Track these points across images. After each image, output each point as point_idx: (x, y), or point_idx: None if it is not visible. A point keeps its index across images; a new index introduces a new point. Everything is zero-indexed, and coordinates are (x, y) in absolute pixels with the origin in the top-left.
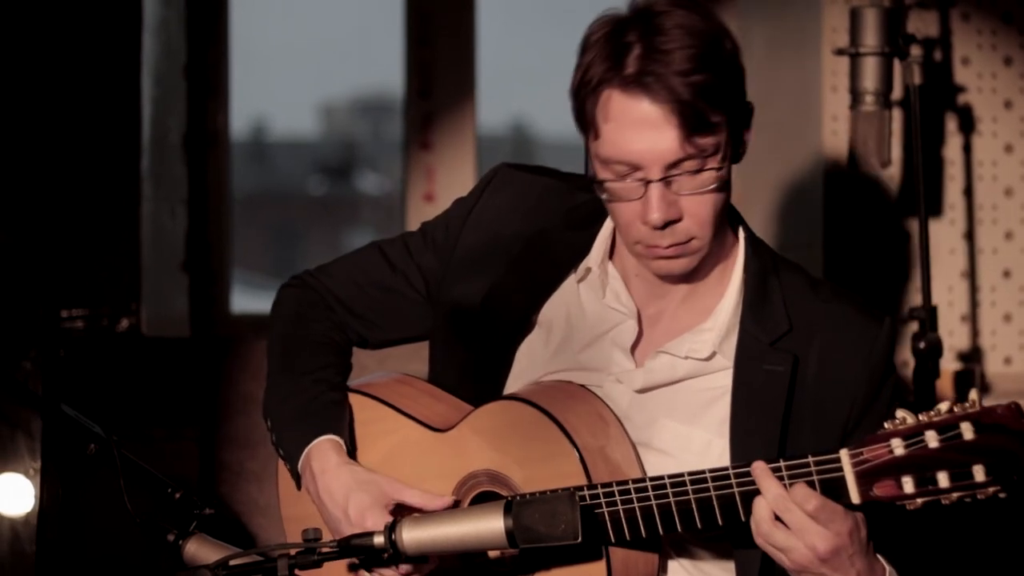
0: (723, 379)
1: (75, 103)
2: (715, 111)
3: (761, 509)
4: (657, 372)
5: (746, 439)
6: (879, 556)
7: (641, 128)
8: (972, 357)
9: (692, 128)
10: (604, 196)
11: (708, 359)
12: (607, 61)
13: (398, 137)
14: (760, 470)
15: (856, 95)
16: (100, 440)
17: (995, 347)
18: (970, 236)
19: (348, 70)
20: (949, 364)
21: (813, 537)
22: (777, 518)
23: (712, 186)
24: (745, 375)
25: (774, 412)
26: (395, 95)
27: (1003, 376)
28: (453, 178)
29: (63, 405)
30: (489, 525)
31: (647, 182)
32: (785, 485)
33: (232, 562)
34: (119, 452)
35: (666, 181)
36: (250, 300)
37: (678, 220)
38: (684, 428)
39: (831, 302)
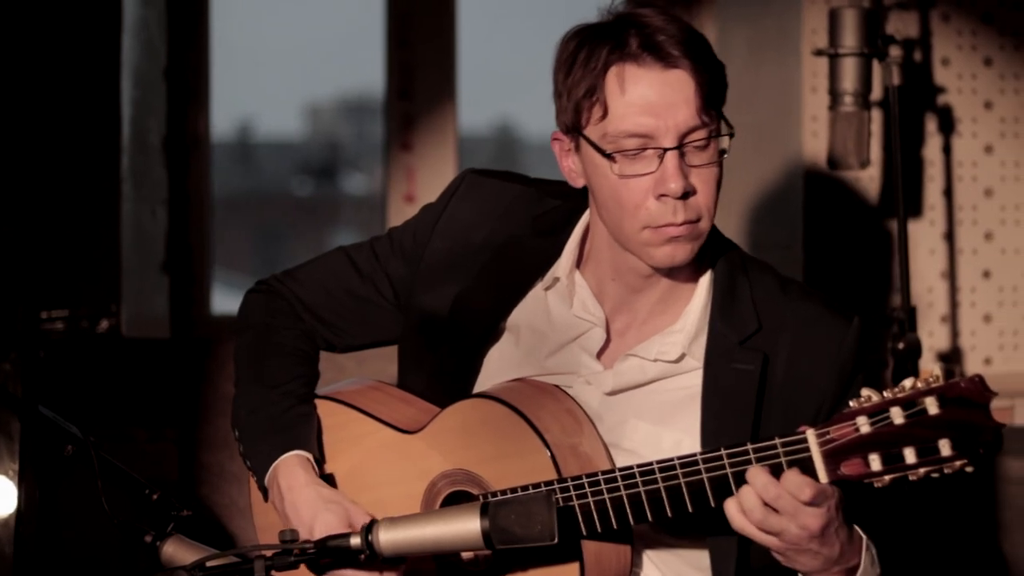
0: (693, 379)
1: (54, 104)
2: (718, 86)
3: (750, 497)
4: (626, 375)
5: (717, 438)
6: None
7: (658, 96)
8: (951, 358)
9: (707, 95)
10: (616, 172)
11: (677, 361)
12: (606, 45)
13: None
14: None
15: (835, 96)
16: (77, 441)
17: (975, 348)
18: (950, 237)
19: (334, 71)
20: (928, 365)
21: (806, 518)
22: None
23: (718, 159)
24: (715, 374)
25: (744, 410)
26: (380, 96)
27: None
28: (434, 179)
29: (40, 406)
30: (465, 526)
31: (663, 152)
32: (767, 469)
33: (209, 563)
34: (96, 453)
35: (680, 151)
36: (233, 301)
37: (692, 193)
38: (654, 428)
39: (800, 301)
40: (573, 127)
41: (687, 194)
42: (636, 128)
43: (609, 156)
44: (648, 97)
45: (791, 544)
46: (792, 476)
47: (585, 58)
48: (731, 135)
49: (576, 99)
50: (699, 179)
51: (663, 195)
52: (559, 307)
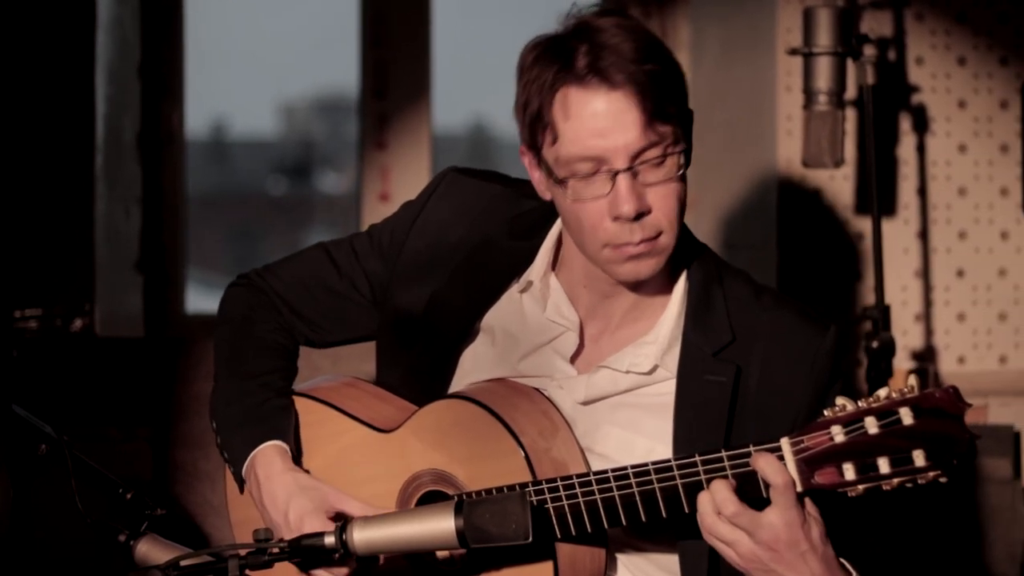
0: (666, 388)
1: (28, 102)
2: (669, 100)
3: (703, 503)
4: (598, 386)
5: (689, 448)
6: (844, 562)
7: (603, 118)
8: (925, 356)
9: (653, 113)
10: (569, 196)
11: (650, 373)
12: (555, 64)
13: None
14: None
15: (809, 95)
16: (51, 440)
17: (948, 347)
18: (924, 235)
19: (308, 70)
20: (902, 363)
21: (761, 531)
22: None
23: (677, 173)
24: (688, 386)
25: (717, 422)
26: (354, 95)
27: (956, 376)
28: (408, 178)
29: (13, 405)
30: (440, 525)
31: (614, 174)
32: (730, 477)
33: (183, 563)
34: (70, 452)
35: (632, 172)
36: (207, 300)
37: (647, 212)
38: (627, 434)
39: (774, 311)
40: (531, 146)
41: (642, 214)
42: (586, 152)
43: (560, 182)
44: (595, 120)
45: (745, 558)
46: (718, 487)
47: (535, 78)
48: (684, 151)
49: (530, 120)
50: (656, 196)
51: (617, 217)
52: (533, 310)
